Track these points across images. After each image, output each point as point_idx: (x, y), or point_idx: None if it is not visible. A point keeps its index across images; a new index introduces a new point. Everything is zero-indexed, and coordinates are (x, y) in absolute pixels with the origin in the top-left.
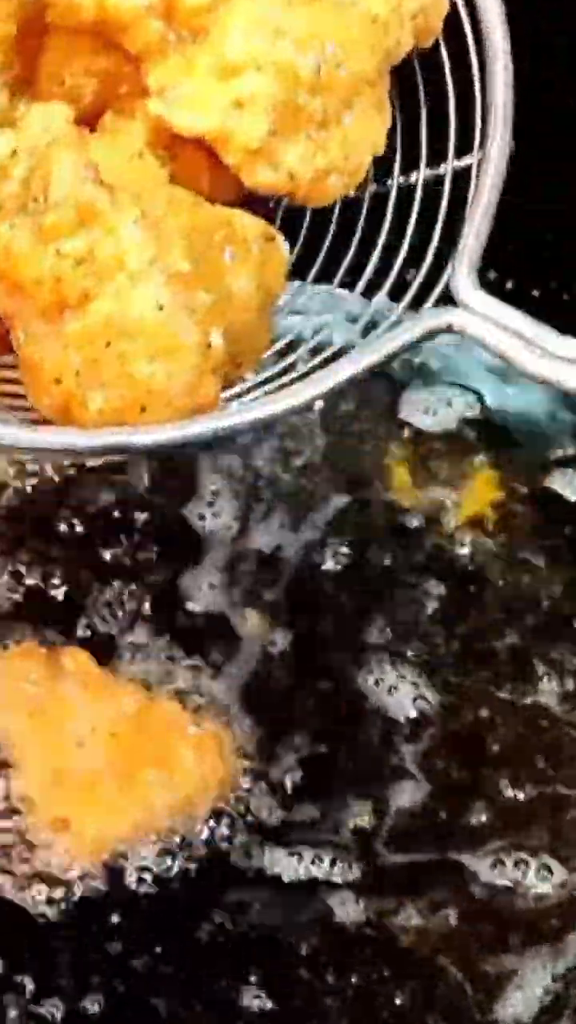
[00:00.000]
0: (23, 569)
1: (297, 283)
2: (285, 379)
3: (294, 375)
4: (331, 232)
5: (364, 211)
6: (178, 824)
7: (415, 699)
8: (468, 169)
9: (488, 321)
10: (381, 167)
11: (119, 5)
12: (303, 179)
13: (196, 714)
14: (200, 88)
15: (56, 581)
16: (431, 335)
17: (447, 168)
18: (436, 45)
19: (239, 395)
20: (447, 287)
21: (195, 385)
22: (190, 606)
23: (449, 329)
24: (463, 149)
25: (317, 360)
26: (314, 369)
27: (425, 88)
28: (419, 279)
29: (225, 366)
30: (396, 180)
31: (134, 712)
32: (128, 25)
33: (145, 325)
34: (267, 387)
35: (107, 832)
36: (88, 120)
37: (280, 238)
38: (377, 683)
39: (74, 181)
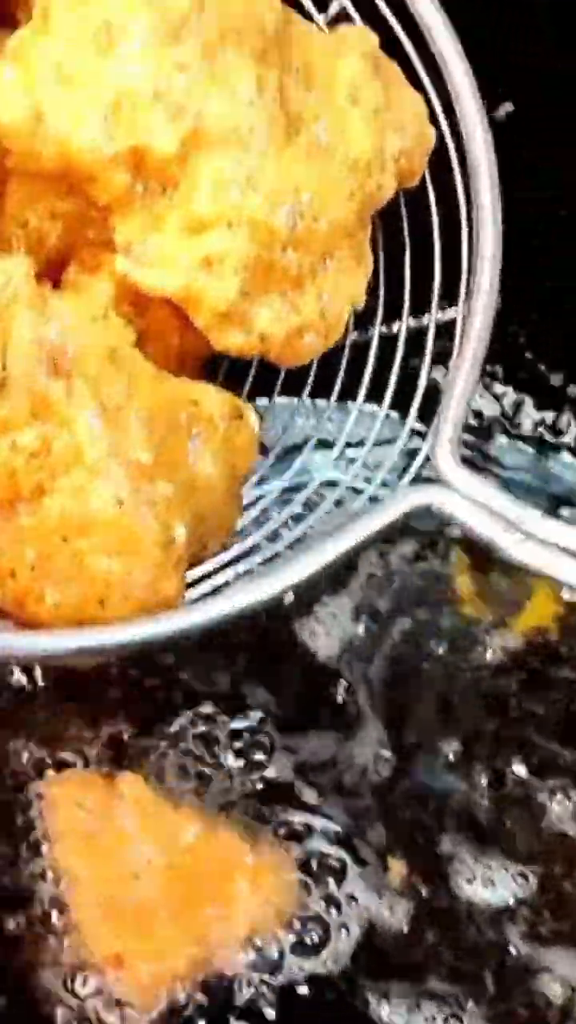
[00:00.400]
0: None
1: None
2: (255, 561)
3: (267, 556)
4: (307, 389)
5: (344, 363)
6: (232, 955)
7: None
8: (452, 322)
9: (469, 500)
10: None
11: (83, 155)
12: (276, 341)
13: (254, 838)
14: (168, 245)
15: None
16: (410, 515)
17: (430, 320)
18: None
19: (207, 575)
20: (427, 458)
21: (157, 579)
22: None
23: (429, 509)
24: (448, 300)
25: (286, 543)
26: (284, 553)
27: (410, 232)
28: (397, 450)
29: (190, 551)
30: (378, 329)
31: (191, 842)
32: (94, 176)
33: (103, 521)
34: (238, 568)
35: (163, 969)
36: (54, 264)
37: (249, 412)
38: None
39: (29, 363)
